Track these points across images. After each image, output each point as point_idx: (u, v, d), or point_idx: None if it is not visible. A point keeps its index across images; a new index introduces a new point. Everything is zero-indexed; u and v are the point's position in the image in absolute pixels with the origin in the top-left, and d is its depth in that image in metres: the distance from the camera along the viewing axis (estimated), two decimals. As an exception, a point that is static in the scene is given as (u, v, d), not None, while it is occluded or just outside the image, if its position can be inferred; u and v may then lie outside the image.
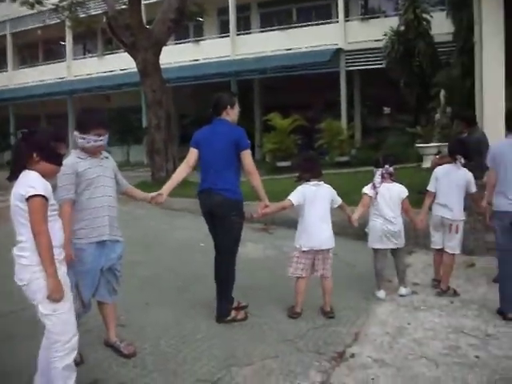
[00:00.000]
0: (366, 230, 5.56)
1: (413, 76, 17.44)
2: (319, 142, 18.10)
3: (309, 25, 22.14)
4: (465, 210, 5.67)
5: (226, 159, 4.62)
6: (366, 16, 21.86)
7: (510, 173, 4.80)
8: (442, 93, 14.62)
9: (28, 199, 2.99)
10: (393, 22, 18.23)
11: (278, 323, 4.75)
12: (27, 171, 3.10)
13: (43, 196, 3.01)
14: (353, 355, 4.10)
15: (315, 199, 4.90)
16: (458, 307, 5.15)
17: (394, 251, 5.52)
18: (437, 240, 5.70)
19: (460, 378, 3.71)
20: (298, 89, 20.78)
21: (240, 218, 4.70)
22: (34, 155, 3.11)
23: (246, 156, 4.66)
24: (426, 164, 12.77)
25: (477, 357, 4.04)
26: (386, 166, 5.40)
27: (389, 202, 5.37)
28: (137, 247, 7.05)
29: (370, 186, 5.43)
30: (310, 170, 5.00)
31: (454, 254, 5.55)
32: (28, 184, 3.02)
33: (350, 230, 6.92)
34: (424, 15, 17.31)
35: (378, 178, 5.38)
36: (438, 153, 9.20)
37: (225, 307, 4.75)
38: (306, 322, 4.78)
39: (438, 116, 14.73)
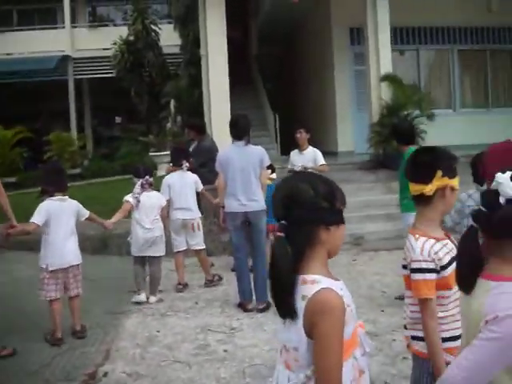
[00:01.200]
0: (129, 239, 5.54)
1: (143, 86, 17.67)
2: (48, 155, 17.01)
3: (32, 29, 20.74)
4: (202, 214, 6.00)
5: None
6: (95, 24, 21.41)
7: (237, 176, 5.16)
8: (172, 102, 15.15)
9: None
10: (122, 32, 18.20)
11: (21, 354, 4.28)
12: None
13: None
14: (105, 374, 3.93)
15: (61, 215, 4.58)
16: (202, 307, 5.36)
17: (151, 259, 5.56)
18: (179, 243, 5.92)
19: (212, 374, 3.86)
20: (23, 98, 19.29)
21: None
22: None
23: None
24: (161, 172, 13.05)
25: (225, 351, 4.25)
26: (147, 177, 5.53)
27: (148, 211, 5.45)
28: None
29: (131, 194, 5.47)
30: (54, 184, 4.66)
31: (201, 249, 5.96)
32: None
33: (88, 243, 6.73)
34: (153, 27, 17.69)
35: (138, 188, 5.46)
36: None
37: None
38: (50, 348, 4.41)
39: (169, 125, 15.19)
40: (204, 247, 6.07)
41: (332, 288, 1.53)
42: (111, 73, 18.35)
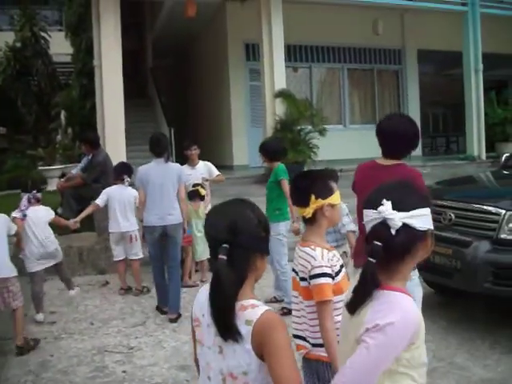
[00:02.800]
0: (21, 256, 5.33)
1: (31, 95, 16.82)
2: None
3: None
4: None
5: None
6: (-23, 27, 20.10)
7: (156, 192, 5.40)
8: (63, 113, 14.53)
9: None
10: (8, 37, 17.23)
11: None
12: None
13: None
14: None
15: None
16: (98, 327, 5.15)
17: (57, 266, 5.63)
18: (119, 253, 6.31)
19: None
20: None
21: None
22: None
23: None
24: (52, 187, 12.45)
25: (124, 371, 4.11)
26: (34, 192, 5.46)
27: (39, 225, 5.37)
28: None
29: (17, 209, 5.33)
30: None
31: (138, 259, 6.30)
32: None
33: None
34: (42, 34, 16.91)
35: (24, 202, 5.35)
36: (63, 175, 9.05)
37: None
38: None
39: (59, 137, 14.56)
40: (141, 256, 6.30)
41: (271, 309, 1.65)
42: (-4, 80, 17.28)
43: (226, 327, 1.59)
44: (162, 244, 5.51)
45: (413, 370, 1.62)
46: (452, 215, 4.93)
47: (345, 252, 4.95)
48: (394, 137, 3.19)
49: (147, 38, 16.58)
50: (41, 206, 5.52)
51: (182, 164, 7.29)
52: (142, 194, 5.55)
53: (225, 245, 1.61)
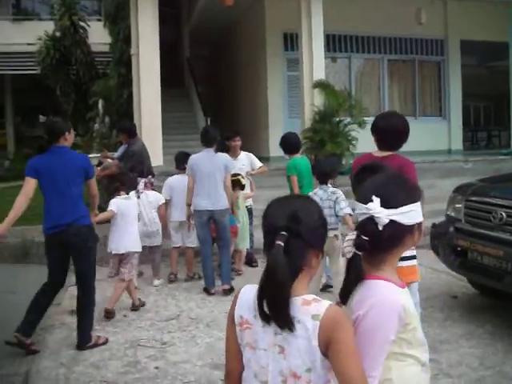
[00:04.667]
0: None
1: (70, 84, 16.98)
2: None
3: None
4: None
5: (80, 187, 4.43)
6: (19, 17, 20.38)
7: (204, 179, 5.85)
8: (100, 102, 14.59)
9: None
10: (48, 27, 17.39)
11: None
12: None
13: None
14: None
15: None
16: (132, 320, 5.09)
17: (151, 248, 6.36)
18: (177, 240, 6.56)
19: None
20: None
21: (95, 242, 4.58)
22: None
23: (93, 183, 4.64)
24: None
25: (156, 368, 4.01)
26: (149, 177, 6.40)
27: (148, 206, 6.18)
28: None
29: (134, 191, 5.90)
30: None
31: (193, 247, 6.51)
32: None
33: (6, 252, 6.49)
34: (81, 23, 17.03)
35: (141, 186, 6.22)
36: (99, 164, 9.03)
37: (88, 333, 4.42)
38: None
39: (96, 126, 14.62)
40: (196, 245, 6.44)
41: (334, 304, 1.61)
42: (35, 69, 17.52)
43: (285, 317, 1.53)
44: (210, 228, 5.99)
45: (414, 349, 1.70)
46: (503, 214, 4.67)
47: (336, 235, 5.11)
48: (391, 132, 3.58)
49: (184, 27, 16.51)
50: (152, 191, 6.36)
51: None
52: (191, 181, 5.97)
53: (283, 232, 1.56)
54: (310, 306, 1.56)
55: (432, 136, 13.77)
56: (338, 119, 10.67)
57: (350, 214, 5.19)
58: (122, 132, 7.72)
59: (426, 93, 15.01)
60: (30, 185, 4.28)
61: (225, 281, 5.90)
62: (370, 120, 11.62)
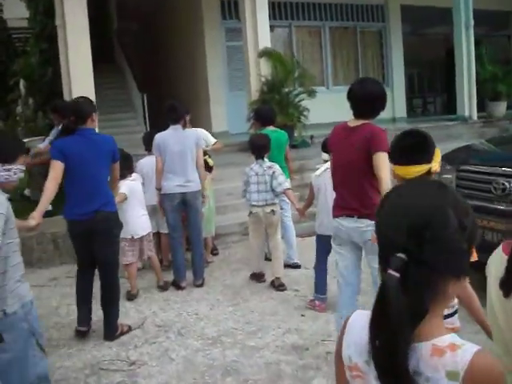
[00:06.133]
0: None
1: (-16, 64, 15.44)
2: None
3: None
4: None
5: (107, 171, 4.26)
6: None
7: (175, 159, 5.29)
8: (22, 83, 13.30)
9: None
10: (-46, 2, 15.64)
11: None
12: None
13: None
14: None
15: None
16: (89, 335, 4.27)
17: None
18: (152, 227, 5.70)
19: None
20: None
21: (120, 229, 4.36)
22: None
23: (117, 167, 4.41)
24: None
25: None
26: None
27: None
28: None
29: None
30: None
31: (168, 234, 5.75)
32: None
33: None
34: (-7, -3, 15.42)
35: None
36: (28, 151, 7.96)
37: (115, 323, 4.25)
38: None
39: (19, 108, 13.34)
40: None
41: (485, 350, 1.08)
42: None
43: (403, 374, 1.03)
44: (181, 214, 5.46)
45: None
46: (506, 184, 4.18)
47: (273, 210, 5.15)
48: (366, 100, 3.32)
49: (111, -2, 15.28)
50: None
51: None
52: (159, 162, 5.37)
53: (401, 254, 1.05)
54: (442, 358, 1.06)
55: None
56: (286, 90, 10.02)
57: (289, 188, 5.29)
58: (55, 112, 6.87)
59: (368, 61, 14.63)
60: (57, 168, 4.01)
61: (199, 274, 5.45)
62: (319, 89, 11.15)
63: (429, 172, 2.34)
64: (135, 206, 5.11)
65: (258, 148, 5.30)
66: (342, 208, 3.44)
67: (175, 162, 5.32)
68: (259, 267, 5.45)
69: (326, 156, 4.59)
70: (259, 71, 10.04)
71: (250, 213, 5.29)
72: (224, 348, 3.90)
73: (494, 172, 4.34)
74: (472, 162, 4.67)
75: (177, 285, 5.35)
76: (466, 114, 12.72)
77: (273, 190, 5.12)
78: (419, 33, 16.19)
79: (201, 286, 5.38)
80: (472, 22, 12.42)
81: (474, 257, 2.06)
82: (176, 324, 4.36)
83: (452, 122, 12.74)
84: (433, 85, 18.58)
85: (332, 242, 3.63)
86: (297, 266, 5.76)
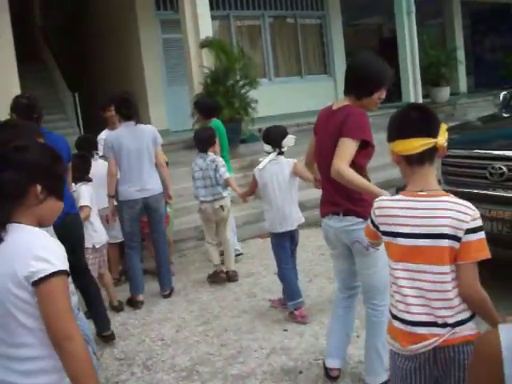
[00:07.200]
0: None
1: None
2: None
3: None
4: None
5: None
6: None
7: (132, 160, 4.75)
8: None
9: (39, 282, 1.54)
10: None
11: None
12: (18, 226, 1.64)
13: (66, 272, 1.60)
14: None
15: None
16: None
17: None
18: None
19: None
20: None
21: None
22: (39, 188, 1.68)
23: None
24: None
25: None
26: None
27: None
28: None
29: None
30: None
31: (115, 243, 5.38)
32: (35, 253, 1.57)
33: None
34: None
35: None
36: None
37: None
38: None
39: None
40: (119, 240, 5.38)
41: None
42: None
43: None
44: (140, 221, 4.98)
45: None
46: (504, 168, 3.77)
47: (221, 206, 5.06)
48: (352, 74, 2.94)
49: (31, -9, 14.12)
50: None
51: (99, 131, 6.01)
52: (113, 165, 4.78)
53: None
54: None
55: (319, 94, 13.01)
56: (232, 81, 9.41)
57: (231, 178, 5.20)
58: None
59: (309, 50, 14.24)
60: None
61: (167, 283, 5.00)
62: (261, 81, 10.56)
63: (434, 148, 1.94)
64: (93, 213, 4.52)
65: (201, 141, 5.13)
66: (327, 204, 3.00)
67: (133, 163, 4.76)
68: (216, 261, 5.23)
69: (267, 148, 4.23)
70: (201, 63, 9.39)
71: (200, 209, 5.16)
72: (203, 381, 3.28)
73: (489, 156, 3.92)
74: (460, 145, 4.24)
75: (134, 301, 4.76)
76: (412, 100, 12.56)
77: (218, 184, 5.03)
78: (360, 22, 16.02)
79: (169, 296, 4.91)
80: (413, 9, 12.31)
81: (485, 255, 1.84)
82: (140, 354, 3.69)
83: (398, 108, 12.54)
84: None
85: (328, 246, 3.19)
86: (239, 254, 5.77)
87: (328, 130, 2.89)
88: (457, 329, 1.86)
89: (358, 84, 2.89)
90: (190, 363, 3.52)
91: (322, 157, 2.99)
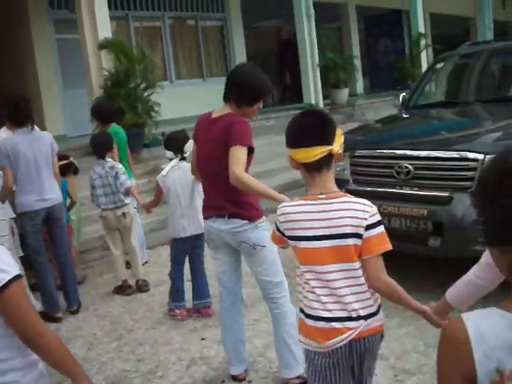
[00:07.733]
0: None
1: None
2: None
3: None
4: None
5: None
6: None
7: (31, 168, 4.44)
8: None
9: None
10: None
11: None
12: None
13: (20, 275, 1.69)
14: None
15: None
16: None
17: None
18: None
19: None
20: None
21: None
22: None
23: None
24: None
25: None
26: None
27: None
28: None
29: None
30: None
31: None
32: None
33: None
34: None
35: None
36: None
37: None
38: None
39: None
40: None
41: None
42: None
43: None
44: (43, 233, 4.69)
45: None
46: (410, 167, 3.90)
47: (124, 213, 4.93)
48: (231, 81, 3.01)
49: None
50: None
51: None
52: (9, 175, 4.39)
53: None
54: None
55: (222, 97, 13.00)
56: (133, 84, 9.13)
57: (133, 186, 5.14)
58: None
59: (211, 53, 14.19)
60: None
61: (74, 298, 4.75)
62: (164, 84, 10.33)
63: (330, 155, 2.01)
64: None
65: (97, 147, 4.94)
66: (210, 208, 3.09)
67: (31, 171, 4.47)
68: (122, 276, 5.05)
69: (169, 154, 4.23)
70: (101, 65, 9.03)
71: (101, 216, 5.00)
72: (120, 401, 3.11)
73: (395, 155, 4.04)
74: (368, 146, 4.34)
75: (50, 317, 4.46)
76: (313, 101, 12.88)
77: (118, 192, 4.90)
78: (260, 24, 16.18)
79: (77, 312, 4.67)
80: (313, 12, 12.62)
81: (386, 247, 1.94)
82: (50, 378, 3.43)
83: (300, 110, 12.79)
84: (278, 76, 18.74)
85: (208, 247, 3.29)
86: (145, 262, 5.68)
87: (209, 137, 2.99)
88: (369, 320, 1.95)
89: (242, 93, 2.96)
90: (106, 382, 3.33)
91: (204, 163, 3.10)
